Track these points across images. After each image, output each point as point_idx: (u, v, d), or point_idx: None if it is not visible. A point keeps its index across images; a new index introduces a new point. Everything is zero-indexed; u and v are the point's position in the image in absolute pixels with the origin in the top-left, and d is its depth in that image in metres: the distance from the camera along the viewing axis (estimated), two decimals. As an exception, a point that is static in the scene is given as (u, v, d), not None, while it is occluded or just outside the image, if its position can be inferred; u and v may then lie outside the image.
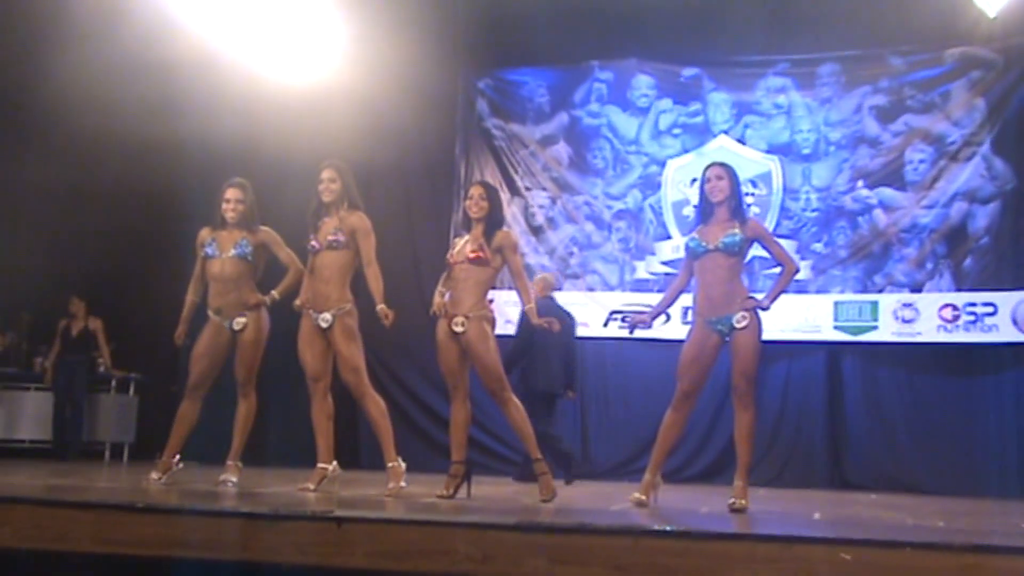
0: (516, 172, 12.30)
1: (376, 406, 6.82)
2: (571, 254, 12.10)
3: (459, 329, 6.49)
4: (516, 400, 6.54)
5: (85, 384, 11.72)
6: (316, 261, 6.91)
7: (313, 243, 6.91)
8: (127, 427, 12.13)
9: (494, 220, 6.69)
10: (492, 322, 6.62)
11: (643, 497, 6.35)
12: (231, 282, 7.29)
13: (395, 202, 11.99)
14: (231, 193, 7.37)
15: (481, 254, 6.56)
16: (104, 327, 11.75)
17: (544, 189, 12.23)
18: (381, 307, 6.67)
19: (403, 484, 6.77)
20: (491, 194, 6.79)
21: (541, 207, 12.25)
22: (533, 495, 6.78)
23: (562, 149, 12.27)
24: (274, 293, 7.31)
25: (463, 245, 6.66)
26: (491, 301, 6.71)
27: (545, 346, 9.24)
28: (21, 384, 11.85)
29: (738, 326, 6.32)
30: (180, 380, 8.39)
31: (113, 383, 12.07)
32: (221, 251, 7.34)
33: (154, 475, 7.18)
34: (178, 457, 7.30)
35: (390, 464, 6.78)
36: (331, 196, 6.96)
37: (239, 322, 7.22)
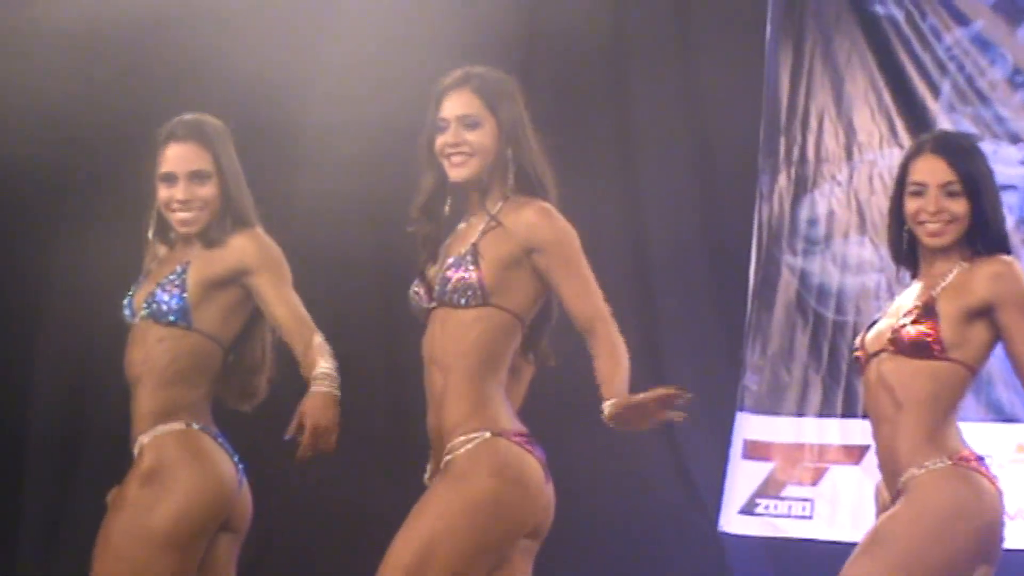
0: (932, 91, 7.59)
1: None
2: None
3: None
4: None
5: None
6: (428, 331, 3.98)
7: (418, 291, 4.07)
8: None
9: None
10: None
11: None
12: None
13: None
14: None
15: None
16: None
17: (1013, 138, 7.56)
18: (612, 401, 3.65)
19: None
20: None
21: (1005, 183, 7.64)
22: None
23: (1054, 33, 7.38)
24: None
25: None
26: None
27: None
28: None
29: None
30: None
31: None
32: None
33: None
34: None
35: None
36: (465, 170, 3.76)
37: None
